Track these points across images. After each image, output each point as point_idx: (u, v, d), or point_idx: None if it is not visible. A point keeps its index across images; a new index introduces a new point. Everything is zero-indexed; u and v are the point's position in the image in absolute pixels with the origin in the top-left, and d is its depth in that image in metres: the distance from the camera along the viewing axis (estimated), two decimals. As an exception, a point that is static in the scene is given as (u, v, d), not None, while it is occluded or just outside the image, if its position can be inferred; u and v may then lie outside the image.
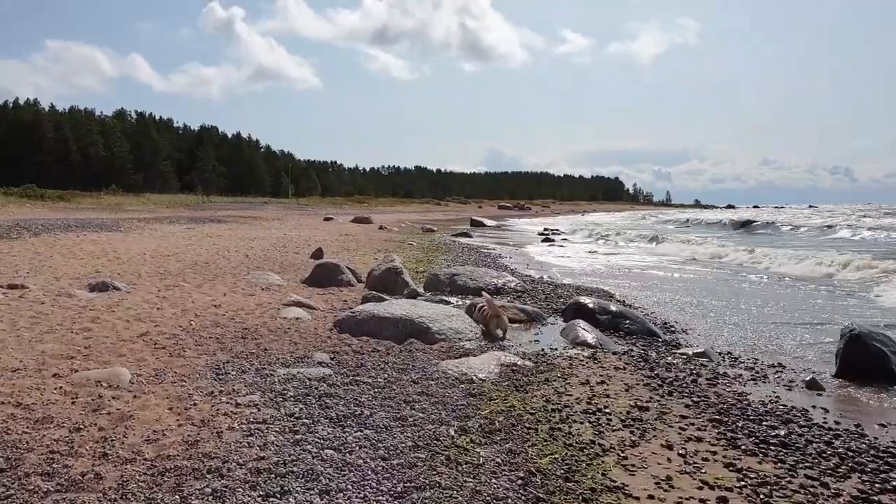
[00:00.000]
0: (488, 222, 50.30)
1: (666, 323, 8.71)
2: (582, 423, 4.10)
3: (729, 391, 5.16)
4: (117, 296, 8.77)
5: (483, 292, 10.64)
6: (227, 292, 9.70)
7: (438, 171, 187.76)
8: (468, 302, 9.63)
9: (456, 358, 6.04)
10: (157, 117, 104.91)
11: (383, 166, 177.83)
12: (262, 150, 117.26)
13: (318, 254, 15.82)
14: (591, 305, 8.13)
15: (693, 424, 4.16)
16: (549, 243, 28.01)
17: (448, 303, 9.82)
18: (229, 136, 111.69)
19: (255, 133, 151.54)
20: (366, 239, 24.40)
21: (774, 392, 5.30)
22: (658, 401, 4.65)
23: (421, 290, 10.69)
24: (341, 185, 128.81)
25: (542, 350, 6.55)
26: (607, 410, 4.36)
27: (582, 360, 6.03)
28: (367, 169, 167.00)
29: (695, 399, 4.74)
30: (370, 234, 28.35)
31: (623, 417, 4.22)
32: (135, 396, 4.32)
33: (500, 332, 7.18)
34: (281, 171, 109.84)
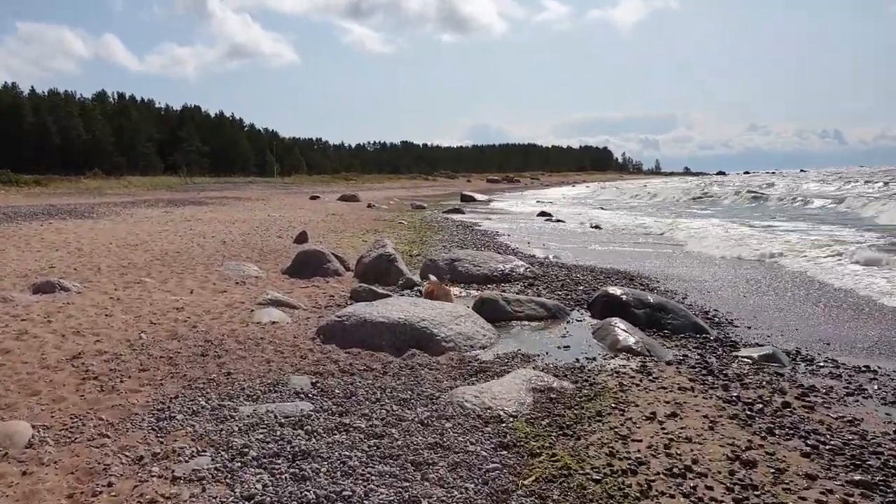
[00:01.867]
0: (479, 197, 48.87)
1: (706, 312, 7.49)
2: (673, 496, 2.85)
3: (835, 418, 3.95)
4: (63, 298, 7.43)
5: (429, 275, 9.43)
6: (195, 289, 8.37)
7: (425, 145, 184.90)
8: (474, 294, 8.38)
9: (472, 377, 4.77)
10: (139, 98, 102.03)
11: (369, 142, 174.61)
12: (246, 128, 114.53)
13: (301, 238, 14.47)
14: (624, 297, 6.87)
15: (830, 491, 2.92)
16: (545, 218, 26.74)
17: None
18: (212, 115, 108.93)
19: (237, 113, 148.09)
20: (354, 218, 23.02)
21: (889, 416, 4.09)
22: (760, 446, 3.41)
23: (417, 278, 9.40)
24: (327, 162, 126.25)
25: (578, 361, 5.31)
26: (700, 470, 3.11)
27: (633, 377, 4.79)
28: (353, 145, 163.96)
29: (807, 440, 3.50)
30: (358, 212, 26.94)
31: (728, 484, 2.97)
32: (24, 473, 3.03)
33: None
34: (265, 149, 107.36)
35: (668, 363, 5.34)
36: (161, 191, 43.95)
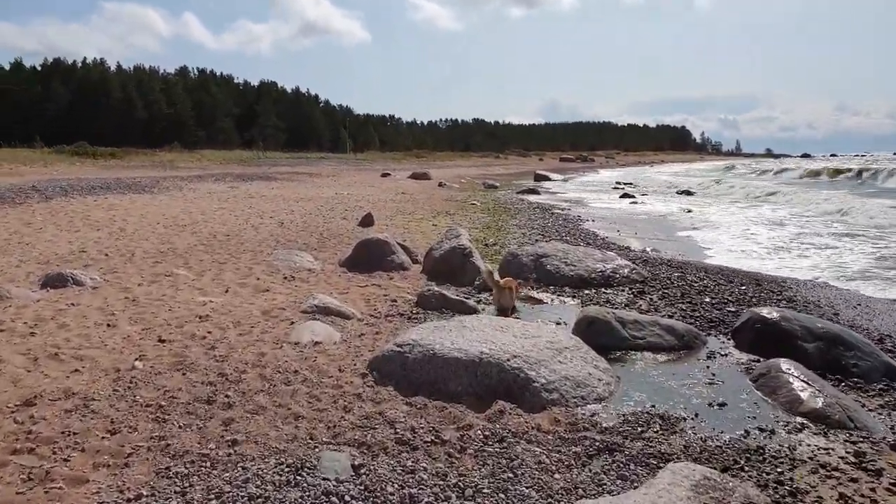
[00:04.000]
0: (553, 176, 46.48)
1: (881, 339, 5.49)
2: None
3: None
4: (71, 296, 6.20)
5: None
6: (232, 286, 7.02)
7: (496, 122, 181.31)
8: (568, 302, 6.67)
9: (595, 463, 3.10)
10: (218, 73, 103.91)
11: (441, 119, 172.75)
12: (321, 104, 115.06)
13: (367, 220, 13.06)
14: (785, 325, 4.98)
15: None
16: (630, 200, 24.46)
17: (539, 303, 6.85)
18: (288, 91, 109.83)
19: (311, 89, 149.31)
20: (424, 198, 21.52)
21: None
22: None
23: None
24: (399, 139, 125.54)
25: (748, 435, 3.54)
26: None
27: (852, 477, 3.01)
28: (425, 122, 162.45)
29: None
30: (429, 191, 25.43)
31: None
32: None
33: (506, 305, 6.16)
34: (339, 125, 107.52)
35: (885, 440, 3.51)
36: (233, 165, 43.86)
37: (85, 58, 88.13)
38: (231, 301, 6.31)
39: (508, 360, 4.05)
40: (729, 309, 6.37)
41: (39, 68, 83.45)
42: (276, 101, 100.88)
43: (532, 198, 24.60)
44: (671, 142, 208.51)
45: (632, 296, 6.99)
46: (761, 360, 4.77)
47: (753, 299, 6.89)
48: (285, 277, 7.62)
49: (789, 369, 4.21)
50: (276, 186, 24.37)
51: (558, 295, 7.11)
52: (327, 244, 10.20)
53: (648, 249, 11.29)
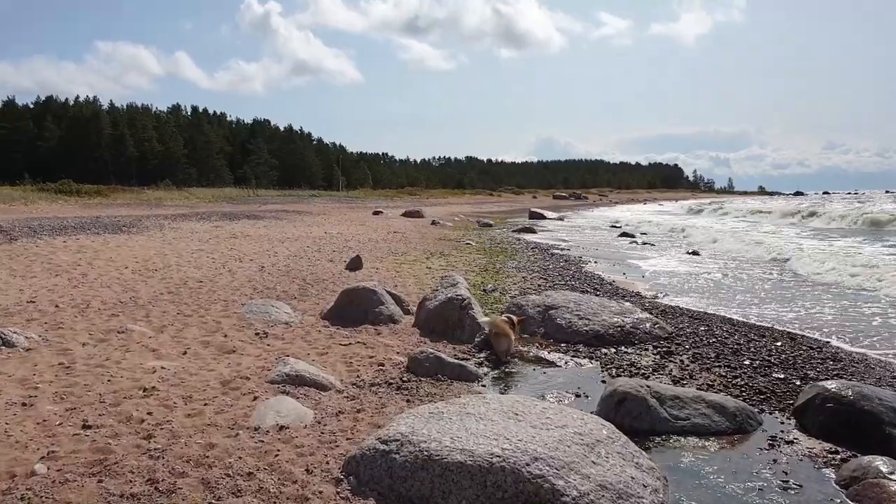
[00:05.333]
0: (549, 214, 45.86)
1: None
2: None
3: None
4: (-1, 361, 5.18)
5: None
6: (192, 345, 6.01)
7: (489, 160, 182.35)
8: (584, 364, 5.72)
9: None
10: (212, 111, 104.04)
11: (434, 157, 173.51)
12: (315, 142, 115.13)
13: (355, 263, 12.10)
14: (866, 406, 4.02)
15: None
16: (630, 240, 23.65)
17: (551, 365, 5.87)
18: (281, 129, 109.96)
19: (304, 127, 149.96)
20: (417, 237, 20.64)
21: None
22: None
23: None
24: (392, 176, 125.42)
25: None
26: None
27: None
28: (418, 160, 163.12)
29: None
30: (422, 230, 24.57)
31: None
32: None
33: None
34: (332, 163, 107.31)
35: None
36: (221, 203, 43.01)
37: (77, 96, 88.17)
38: (188, 366, 5.30)
39: (528, 464, 3.07)
40: (776, 375, 5.42)
41: (32, 106, 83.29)
42: (270, 139, 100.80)
43: (529, 237, 23.79)
44: (663, 179, 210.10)
45: (658, 357, 6.03)
46: (840, 451, 3.81)
47: (799, 361, 5.94)
48: (257, 333, 6.62)
49: (893, 473, 3.25)
50: (263, 225, 23.45)
51: (572, 355, 6.13)
52: (309, 292, 9.23)
53: (660, 295, 10.39)
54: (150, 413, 4.11)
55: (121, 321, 6.87)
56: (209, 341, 6.21)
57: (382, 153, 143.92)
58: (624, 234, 25.63)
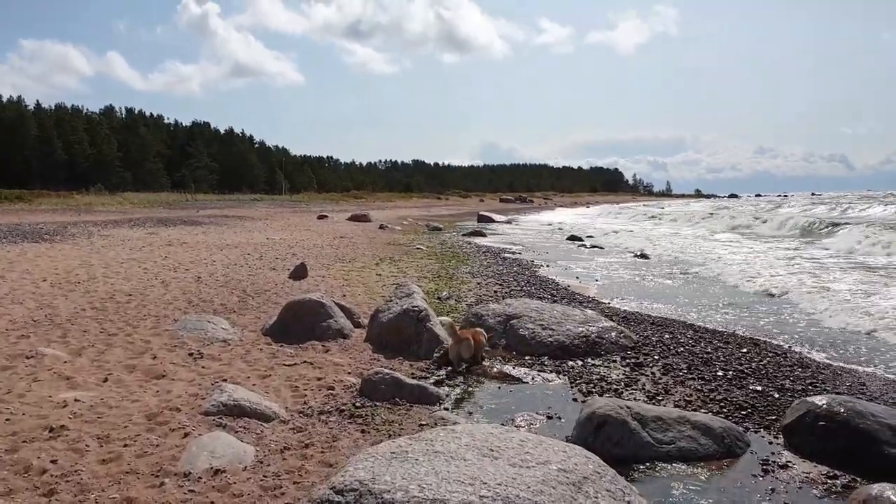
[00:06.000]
0: (497, 217, 45.85)
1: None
2: None
3: None
4: None
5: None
6: (115, 370, 5.31)
7: (436, 164, 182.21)
8: (551, 378, 5.32)
9: None
10: (148, 114, 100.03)
11: (380, 160, 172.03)
12: (257, 145, 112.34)
13: (300, 272, 11.44)
14: (861, 424, 3.72)
15: None
16: (578, 243, 23.63)
17: (517, 382, 5.45)
18: (221, 131, 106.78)
19: (246, 129, 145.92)
20: (365, 242, 20.01)
21: None
22: None
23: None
24: (337, 180, 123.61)
25: None
26: None
27: None
28: (364, 164, 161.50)
29: None
30: (370, 234, 23.95)
31: None
32: None
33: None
34: (275, 166, 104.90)
35: None
36: (157, 208, 41.14)
37: (0, 95, 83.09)
38: (107, 396, 4.62)
39: (511, 515, 2.60)
40: (754, 388, 5.15)
41: (-50, 106, 78.23)
42: (209, 142, 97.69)
43: (479, 240, 23.48)
44: (605, 183, 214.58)
45: (628, 369, 5.69)
46: (839, 475, 3.50)
47: (770, 370, 5.71)
48: (191, 354, 5.95)
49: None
50: (202, 231, 22.34)
51: (538, 370, 5.72)
52: (249, 304, 8.56)
53: (616, 300, 10.16)
54: (54, 461, 3.45)
55: (31, 343, 6.08)
56: (135, 365, 5.52)
57: (327, 156, 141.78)
58: (572, 238, 25.64)
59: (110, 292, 9.00)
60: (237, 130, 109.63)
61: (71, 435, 3.86)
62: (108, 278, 10.28)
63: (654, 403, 4.72)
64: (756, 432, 4.26)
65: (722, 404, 4.75)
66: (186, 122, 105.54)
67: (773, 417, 4.49)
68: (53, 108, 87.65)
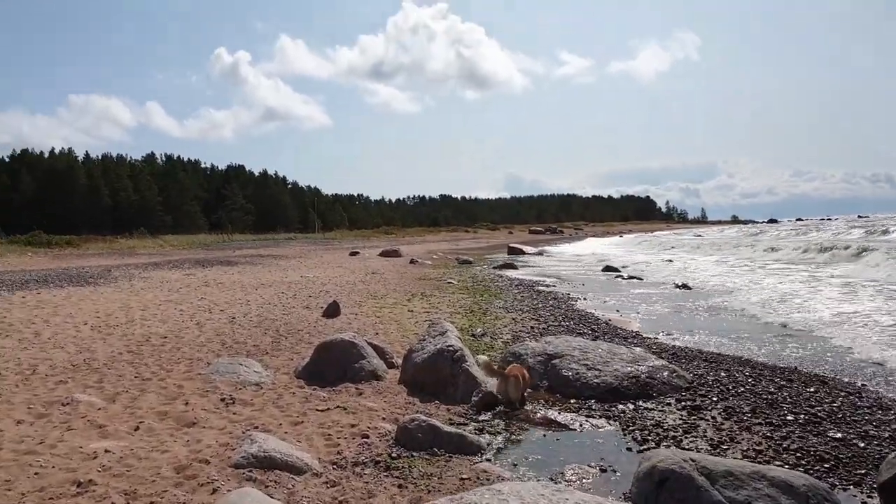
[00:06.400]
0: (527, 249, 45.46)
1: None
2: None
3: None
4: None
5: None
6: (147, 418, 5.16)
7: (463, 198, 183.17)
8: (607, 429, 4.98)
9: None
10: (186, 159, 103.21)
11: (409, 196, 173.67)
12: (290, 186, 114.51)
13: (332, 310, 11.30)
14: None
15: None
16: (615, 274, 23.11)
17: (563, 429, 5.12)
18: (256, 174, 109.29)
19: (279, 171, 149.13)
20: (396, 278, 19.89)
21: None
22: None
23: (490, 382, 5.99)
24: (368, 217, 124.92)
25: None
26: None
27: None
28: (393, 200, 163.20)
29: None
30: (400, 269, 23.84)
31: None
32: None
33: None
34: (308, 206, 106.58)
35: None
36: (195, 249, 41.89)
37: (53, 148, 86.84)
38: (137, 447, 4.45)
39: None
40: (832, 434, 4.72)
41: (8, 159, 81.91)
42: (244, 184, 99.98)
43: (511, 273, 23.17)
44: (636, 211, 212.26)
45: (685, 413, 5.31)
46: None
47: (847, 413, 5.27)
48: (223, 399, 5.78)
49: None
50: (237, 271, 22.53)
51: (586, 415, 5.38)
52: (283, 345, 8.40)
53: (662, 334, 9.74)
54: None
55: (68, 389, 5.99)
56: (167, 412, 5.36)
57: (357, 194, 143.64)
58: (608, 268, 25.11)
59: (146, 335, 8.95)
60: (270, 172, 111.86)
61: (98, 491, 3.68)
62: (145, 321, 10.27)
63: (719, 454, 4.35)
64: (845, 490, 3.86)
65: (798, 455, 4.34)
66: (222, 165, 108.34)
67: (863, 472, 4.08)
68: (100, 157, 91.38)
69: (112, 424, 4.97)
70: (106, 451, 4.35)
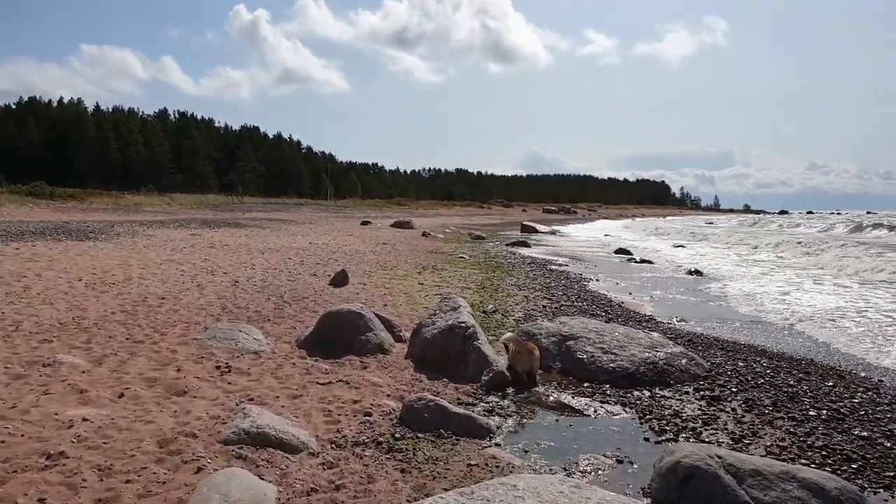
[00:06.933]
0: (540, 227, 44.98)
1: None
2: None
3: None
4: None
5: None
6: (133, 384, 4.86)
7: (479, 173, 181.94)
8: (623, 416, 4.64)
9: None
10: (199, 117, 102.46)
11: (424, 168, 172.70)
12: (304, 150, 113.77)
13: (340, 279, 10.97)
14: None
15: None
16: (627, 257, 22.67)
17: (577, 414, 4.79)
18: (270, 136, 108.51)
19: (294, 135, 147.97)
20: (407, 249, 19.55)
21: None
22: None
23: (502, 361, 5.66)
24: (382, 187, 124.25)
25: None
26: None
27: None
28: (408, 171, 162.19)
29: None
30: (412, 242, 23.49)
31: None
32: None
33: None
34: (321, 172, 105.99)
35: None
36: (204, 209, 41.66)
37: (61, 97, 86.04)
38: (119, 416, 4.16)
39: None
40: (857, 432, 4.37)
41: (14, 107, 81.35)
42: (258, 146, 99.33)
43: (524, 251, 22.77)
44: (651, 196, 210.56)
45: (704, 403, 4.97)
46: None
47: (869, 410, 4.91)
48: (218, 367, 5.48)
49: None
50: (245, 234, 22.24)
51: (601, 401, 5.04)
52: (286, 312, 8.10)
53: (676, 320, 9.37)
54: (42, 500, 2.96)
55: (52, 349, 5.70)
56: (156, 378, 5.07)
57: (372, 163, 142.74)
58: (620, 251, 24.68)
59: (143, 294, 8.67)
60: (285, 135, 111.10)
61: (69, 465, 3.38)
62: (143, 280, 9.99)
63: (741, 449, 4.01)
64: (875, 493, 3.53)
65: (824, 453, 4.00)
66: (236, 126, 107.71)
67: (892, 474, 3.74)
68: (111, 110, 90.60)
69: (94, 390, 4.68)
70: (84, 419, 4.05)
